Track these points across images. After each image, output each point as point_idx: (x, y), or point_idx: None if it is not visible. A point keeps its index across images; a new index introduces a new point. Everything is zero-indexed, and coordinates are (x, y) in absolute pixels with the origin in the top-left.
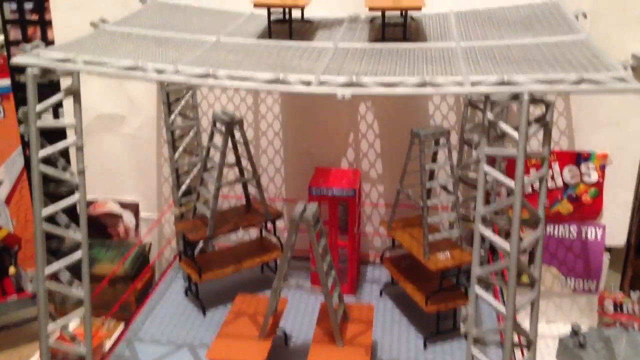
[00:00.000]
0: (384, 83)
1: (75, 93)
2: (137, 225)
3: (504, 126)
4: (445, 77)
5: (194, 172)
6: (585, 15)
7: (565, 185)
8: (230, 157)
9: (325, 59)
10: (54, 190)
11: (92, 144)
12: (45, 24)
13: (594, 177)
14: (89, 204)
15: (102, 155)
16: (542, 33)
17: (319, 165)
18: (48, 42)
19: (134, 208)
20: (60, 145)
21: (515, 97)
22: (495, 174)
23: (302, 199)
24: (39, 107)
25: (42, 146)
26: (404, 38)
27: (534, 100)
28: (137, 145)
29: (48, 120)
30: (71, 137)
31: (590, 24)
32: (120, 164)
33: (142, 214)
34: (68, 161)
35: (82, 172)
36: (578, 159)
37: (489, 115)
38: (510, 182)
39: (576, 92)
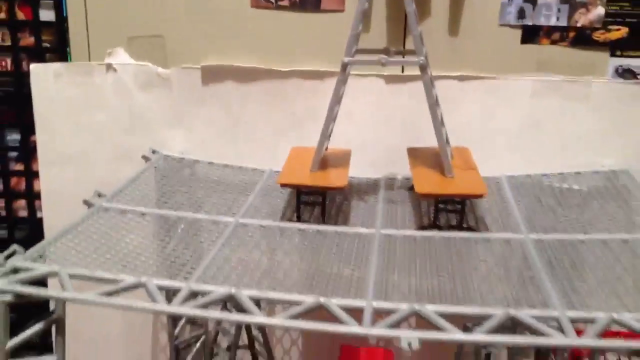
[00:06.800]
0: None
1: (59, 322)
2: None
3: None
4: (540, 311)
5: None
6: None
7: None
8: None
9: (372, 268)
10: None
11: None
12: (31, 176)
13: None
14: None
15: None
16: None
17: (344, 342)
18: (33, 194)
19: None
20: None
21: None
22: None
23: None
24: (10, 343)
25: None
26: (460, 226)
27: None
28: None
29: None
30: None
31: None
32: None
33: None
34: None
35: None
36: None
37: None
38: None
39: None
